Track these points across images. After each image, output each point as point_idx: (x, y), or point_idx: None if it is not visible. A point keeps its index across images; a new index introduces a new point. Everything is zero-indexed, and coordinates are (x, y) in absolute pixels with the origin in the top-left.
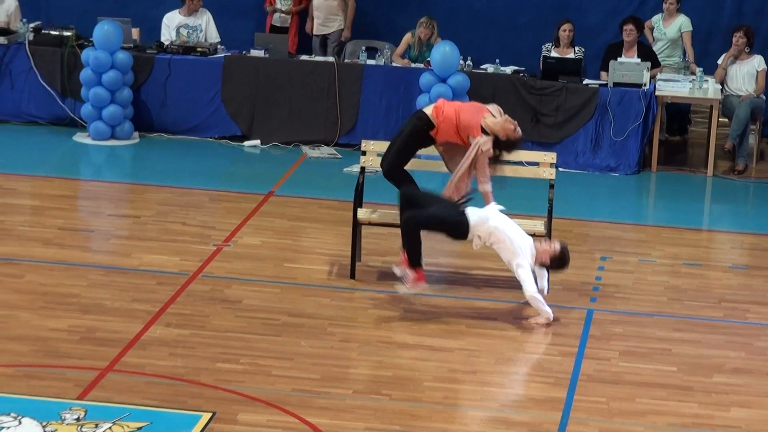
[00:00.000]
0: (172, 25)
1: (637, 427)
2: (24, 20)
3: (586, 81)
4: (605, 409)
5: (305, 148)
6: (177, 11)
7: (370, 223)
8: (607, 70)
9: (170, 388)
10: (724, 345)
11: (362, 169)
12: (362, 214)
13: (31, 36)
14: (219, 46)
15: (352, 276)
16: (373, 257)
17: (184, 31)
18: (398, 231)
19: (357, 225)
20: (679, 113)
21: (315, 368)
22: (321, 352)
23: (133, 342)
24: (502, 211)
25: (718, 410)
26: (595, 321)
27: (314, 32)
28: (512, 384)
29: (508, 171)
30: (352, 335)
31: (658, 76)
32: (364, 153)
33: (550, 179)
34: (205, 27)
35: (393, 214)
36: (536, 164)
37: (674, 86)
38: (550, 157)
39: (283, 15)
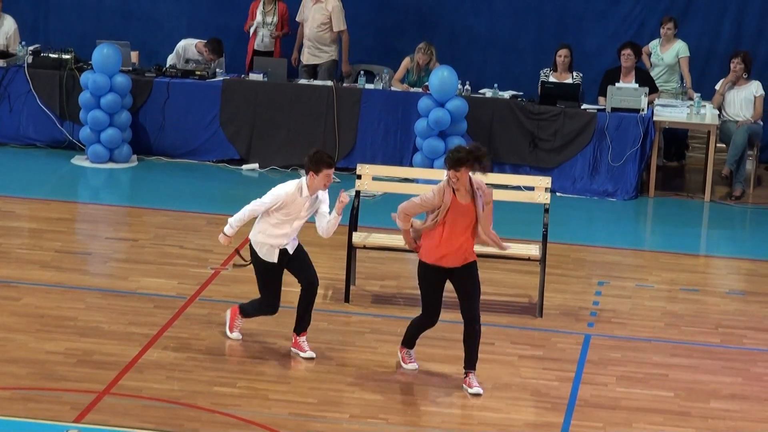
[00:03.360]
0: (185, 55)
1: None
2: (23, 43)
3: (584, 106)
4: None
5: (303, 172)
6: (194, 45)
7: (365, 247)
8: (605, 95)
9: (167, 412)
10: (720, 371)
11: (357, 192)
12: (357, 238)
13: (30, 59)
14: (218, 70)
15: (347, 300)
16: (369, 281)
17: (193, 65)
18: (393, 254)
19: (352, 249)
20: (676, 138)
21: (312, 392)
22: (318, 376)
23: (130, 365)
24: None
25: None
26: (593, 346)
27: (304, 61)
28: (509, 408)
29: (504, 195)
30: (348, 359)
31: (656, 102)
32: (359, 177)
33: (545, 204)
34: (215, 66)
35: (388, 238)
36: (532, 189)
37: (672, 111)
38: (545, 181)
39: (266, 39)
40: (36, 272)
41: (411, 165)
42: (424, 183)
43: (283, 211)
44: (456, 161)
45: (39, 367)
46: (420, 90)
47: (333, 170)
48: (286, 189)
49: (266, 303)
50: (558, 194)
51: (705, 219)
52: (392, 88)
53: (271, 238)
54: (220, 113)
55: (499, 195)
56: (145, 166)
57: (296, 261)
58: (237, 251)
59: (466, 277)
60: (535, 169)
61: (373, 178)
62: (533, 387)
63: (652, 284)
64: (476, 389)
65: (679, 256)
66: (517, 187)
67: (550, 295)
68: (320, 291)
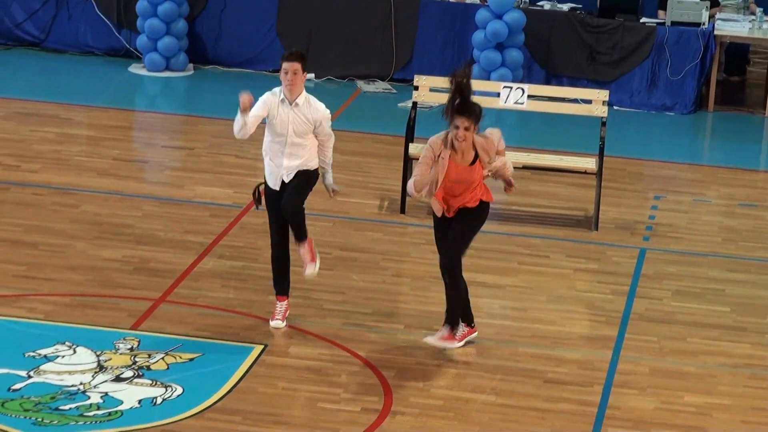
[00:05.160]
0: None
1: (689, 366)
2: None
3: (643, 19)
4: (656, 348)
5: (360, 83)
6: None
7: None
8: (665, 9)
9: (222, 320)
10: None
11: (414, 104)
12: (414, 149)
13: None
14: None
15: (402, 211)
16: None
17: None
18: None
19: (408, 160)
20: (737, 53)
21: (367, 302)
22: (373, 286)
23: (185, 273)
24: None
25: None
26: (648, 260)
27: None
28: (563, 321)
29: (562, 108)
30: (404, 270)
31: (717, 16)
32: (416, 88)
33: (603, 117)
34: None
35: None
36: (589, 102)
37: (733, 26)
38: (603, 94)
39: None
40: (94, 180)
41: None
42: (480, 95)
43: (271, 124)
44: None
45: (97, 274)
46: (478, 1)
47: (291, 65)
48: (266, 93)
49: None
50: (615, 108)
51: (765, 134)
52: (450, 0)
53: (271, 159)
54: (277, 23)
55: (556, 108)
56: (202, 75)
57: (290, 185)
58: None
59: (459, 218)
60: (593, 82)
61: (430, 89)
62: (588, 300)
63: (709, 199)
64: (431, 339)
65: (737, 171)
66: (575, 100)
67: (606, 208)
68: (376, 202)
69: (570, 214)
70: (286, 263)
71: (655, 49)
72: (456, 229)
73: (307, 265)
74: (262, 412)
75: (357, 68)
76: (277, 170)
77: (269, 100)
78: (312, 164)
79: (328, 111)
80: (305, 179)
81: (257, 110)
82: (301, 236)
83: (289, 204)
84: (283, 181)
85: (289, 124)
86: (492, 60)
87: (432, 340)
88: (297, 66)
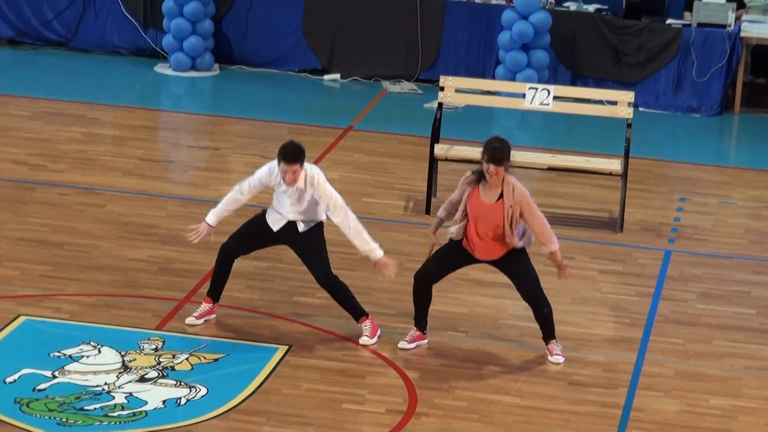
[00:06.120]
0: None
1: (714, 369)
2: None
3: (669, 21)
4: (682, 350)
5: (386, 83)
6: None
7: (446, 159)
8: (691, 10)
9: (247, 321)
10: None
11: (440, 104)
12: (439, 150)
13: None
14: None
15: (428, 212)
16: (450, 193)
17: None
18: (475, 166)
19: (433, 161)
20: (764, 55)
21: (391, 303)
22: (398, 287)
23: (210, 273)
24: None
25: None
26: (673, 262)
27: None
28: (588, 323)
29: (587, 109)
30: None
31: (744, 17)
32: (442, 89)
33: (628, 118)
34: None
35: (469, 150)
36: (615, 103)
37: (760, 28)
38: (628, 96)
39: None
40: (119, 179)
41: (494, 77)
42: (506, 96)
43: (275, 192)
44: (499, 153)
45: (121, 274)
46: (504, 2)
47: (292, 168)
48: (260, 170)
49: (225, 244)
50: (641, 109)
51: None
52: (476, 0)
53: (276, 203)
54: (303, 23)
55: (581, 109)
56: (227, 75)
57: (304, 248)
58: None
59: (509, 263)
60: (619, 83)
61: (456, 90)
62: (612, 302)
63: (735, 201)
64: (556, 357)
65: (764, 174)
66: (600, 102)
67: (631, 210)
68: (401, 202)
69: (595, 215)
70: (228, 271)
71: (681, 50)
72: (515, 272)
73: (364, 337)
74: (286, 413)
75: (383, 68)
76: (279, 216)
77: (265, 179)
78: (319, 217)
79: (331, 192)
80: (317, 239)
81: (257, 183)
82: (358, 311)
83: (319, 275)
84: (293, 226)
85: (288, 199)
86: (517, 61)
87: (556, 358)
88: (296, 167)
